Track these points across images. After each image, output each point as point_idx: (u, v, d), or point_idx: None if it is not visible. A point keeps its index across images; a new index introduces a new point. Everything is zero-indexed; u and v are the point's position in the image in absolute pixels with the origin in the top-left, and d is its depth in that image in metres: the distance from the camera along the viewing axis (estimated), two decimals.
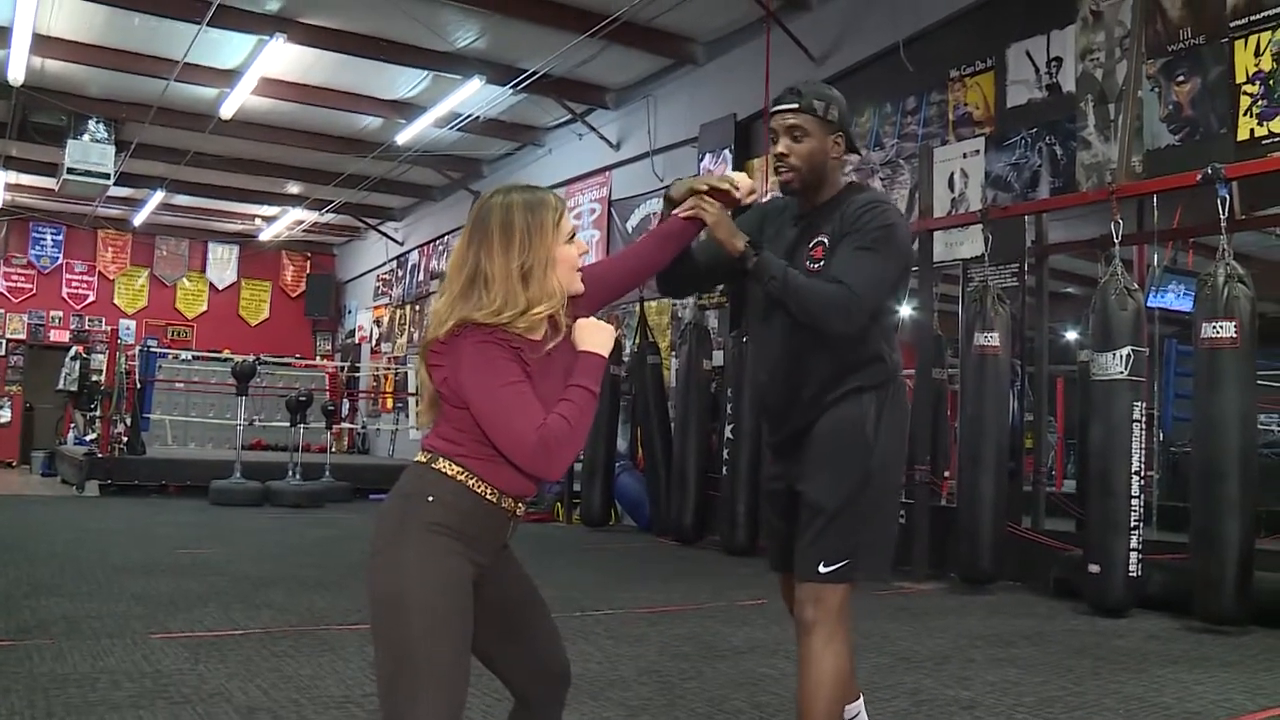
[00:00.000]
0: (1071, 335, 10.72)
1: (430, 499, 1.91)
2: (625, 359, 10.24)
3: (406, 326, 17.61)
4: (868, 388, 2.56)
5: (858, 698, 2.80)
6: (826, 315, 2.46)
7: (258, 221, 19.00)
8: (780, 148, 2.61)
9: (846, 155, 2.70)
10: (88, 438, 14.30)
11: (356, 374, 18.77)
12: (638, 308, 10.06)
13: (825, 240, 2.59)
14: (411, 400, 16.08)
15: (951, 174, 7.99)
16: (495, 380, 1.88)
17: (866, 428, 2.53)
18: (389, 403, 18.23)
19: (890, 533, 2.63)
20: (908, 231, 2.62)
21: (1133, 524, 5.57)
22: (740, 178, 2.46)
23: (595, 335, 2.02)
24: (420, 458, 1.97)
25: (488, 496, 1.93)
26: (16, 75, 10.63)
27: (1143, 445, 5.72)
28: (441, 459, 1.93)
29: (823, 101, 2.59)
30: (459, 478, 1.92)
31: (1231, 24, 6.26)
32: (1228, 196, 5.50)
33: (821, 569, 2.49)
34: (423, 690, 1.82)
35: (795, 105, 2.59)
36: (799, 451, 2.61)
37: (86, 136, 13.04)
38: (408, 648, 1.83)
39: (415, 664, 1.82)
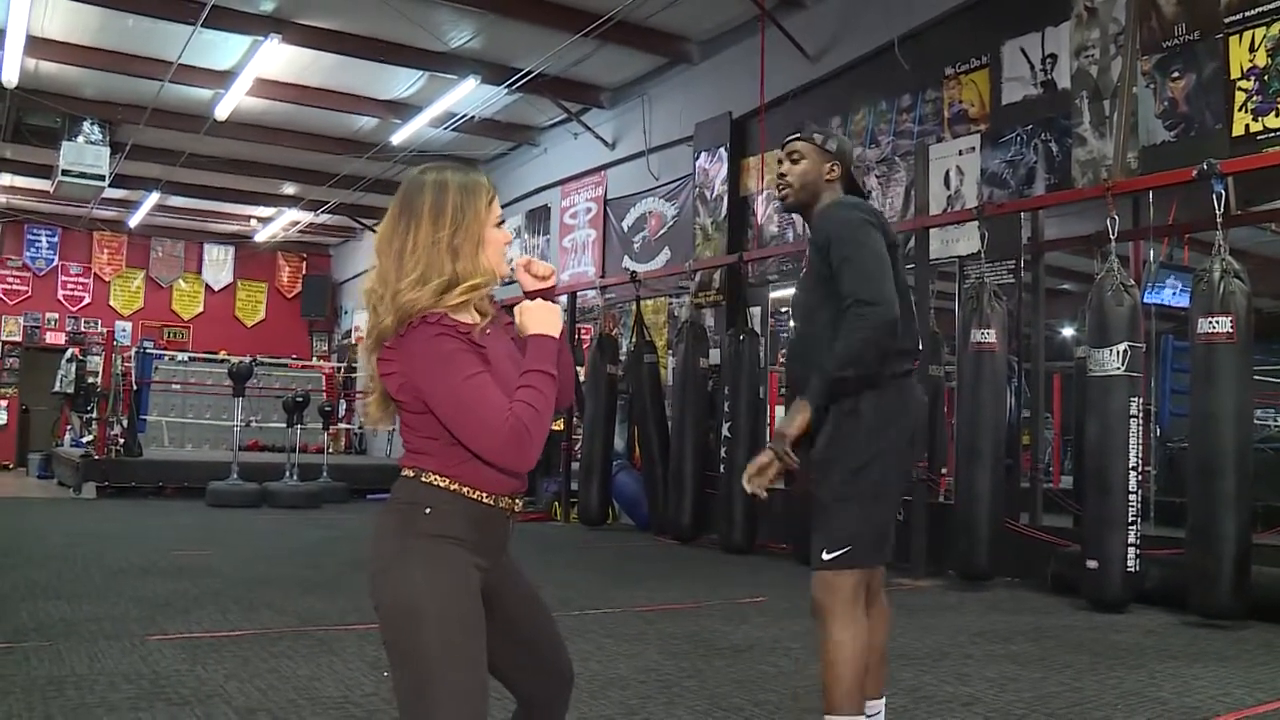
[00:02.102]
0: (1068, 332, 10.73)
1: (428, 510, 1.87)
2: (622, 358, 10.24)
3: None
4: (853, 390, 2.66)
5: (880, 696, 2.88)
6: (868, 342, 2.60)
7: (253, 223, 18.98)
8: (781, 169, 2.96)
9: (847, 195, 2.91)
10: (84, 440, 14.28)
11: (353, 374, 18.73)
12: (634, 306, 10.06)
13: (808, 254, 2.89)
14: None
15: (947, 171, 8.00)
16: (454, 376, 1.82)
17: (858, 417, 2.67)
18: None
19: (888, 519, 2.75)
20: (855, 216, 2.75)
21: (1130, 519, 5.58)
22: (541, 267, 2.06)
23: (544, 317, 1.96)
24: (406, 473, 1.92)
25: (484, 500, 1.90)
26: (10, 77, 10.61)
27: (1140, 441, 5.73)
28: (428, 473, 1.89)
29: (821, 135, 2.95)
30: (452, 488, 1.88)
31: (1226, 20, 6.27)
32: (1223, 192, 5.51)
33: (825, 555, 2.66)
34: (445, 701, 1.79)
35: (797, 135, 2.95)
36: (807, 441, 2.71)
37: (81, 138, 13.01)
38: (426, 659, 1.80)
39: (435, 675, 1.79)
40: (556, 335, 1.95)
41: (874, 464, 2.67)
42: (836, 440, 2.68)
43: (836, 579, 2.66)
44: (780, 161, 2.98)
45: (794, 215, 9.50)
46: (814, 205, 2.91)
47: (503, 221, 2.01)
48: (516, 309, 1.99)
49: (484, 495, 1.90)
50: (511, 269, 2.06)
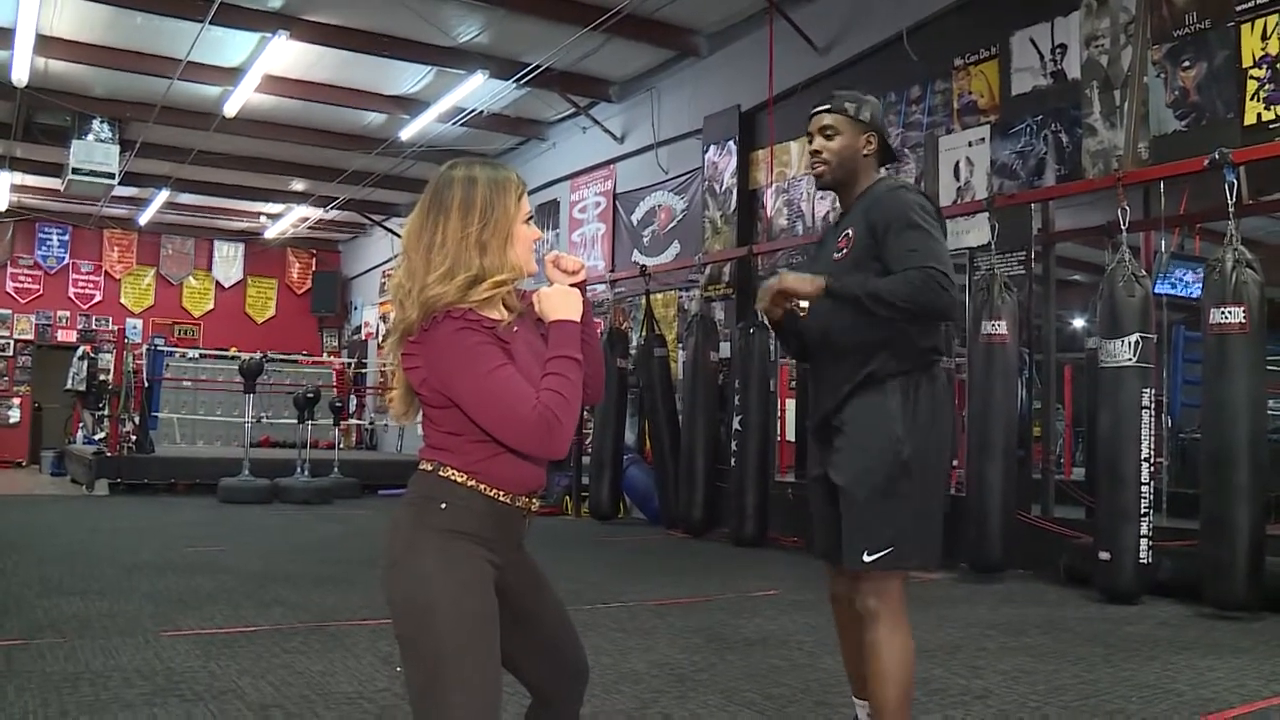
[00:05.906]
0: (1079, 323, 10.69)
1: (443, 505, 1.87)
2: (632, 352, 10.24)
3: None
4: (894, 374, 2.60)
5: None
6: (924, 297, 2.49)
7: (263, 219, 19.01)
8: (814, 146, 2.80)
9: (885, 165, 2.85)
10: (96, 437, 14.34)
11: (363, 370, 18.79)
12: (644, 300, 10.05)
13: (850, 232, 2.71)
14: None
15: (957, 162, 7.97)
16: (479, 369, 1.82)
17: (891, 414, 2.58)
18: None
19: (933, 521, 2.66)
20: (928, 204, 2.69)
21: (1142, 511, 5.56)
22: (570, 262, 2.04)
23: (564, 302, 1.95)
24: (425, 466, 1.92)
25: (501, 499, 1.89)
26: (20, 76, 10.64)
27: (1152, 432, 5.70)
28: (447, 467, 1.88)
29: (854, 103, 2.78)
30: (469, 484, 1.87)
31: (1238, 8, 6.23)
32: (1235, 181, 5.48)
33: (866, 558, 2.56)
34: (458, 696, 1.78)
35: (827, 106, 2.78)
36: (831, 438, 2.69)
37: (91, 136, 13.05)
38: (439, 654, 1.79)
39: (447, 670, 1.79)
40: (578, 320, 1.95)
41: (922, 455, 2.57)
42: (876, 428, 2.57)
43: (883, 582, 2.57)
44: (810, 137, 2.80)
45: (800, 207, 9.56)
46: (853, 183, 2.78)
47: (531, 217, 2.00)
48: (535, 296, 1.98)
49: (501, 494, 1.90)
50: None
